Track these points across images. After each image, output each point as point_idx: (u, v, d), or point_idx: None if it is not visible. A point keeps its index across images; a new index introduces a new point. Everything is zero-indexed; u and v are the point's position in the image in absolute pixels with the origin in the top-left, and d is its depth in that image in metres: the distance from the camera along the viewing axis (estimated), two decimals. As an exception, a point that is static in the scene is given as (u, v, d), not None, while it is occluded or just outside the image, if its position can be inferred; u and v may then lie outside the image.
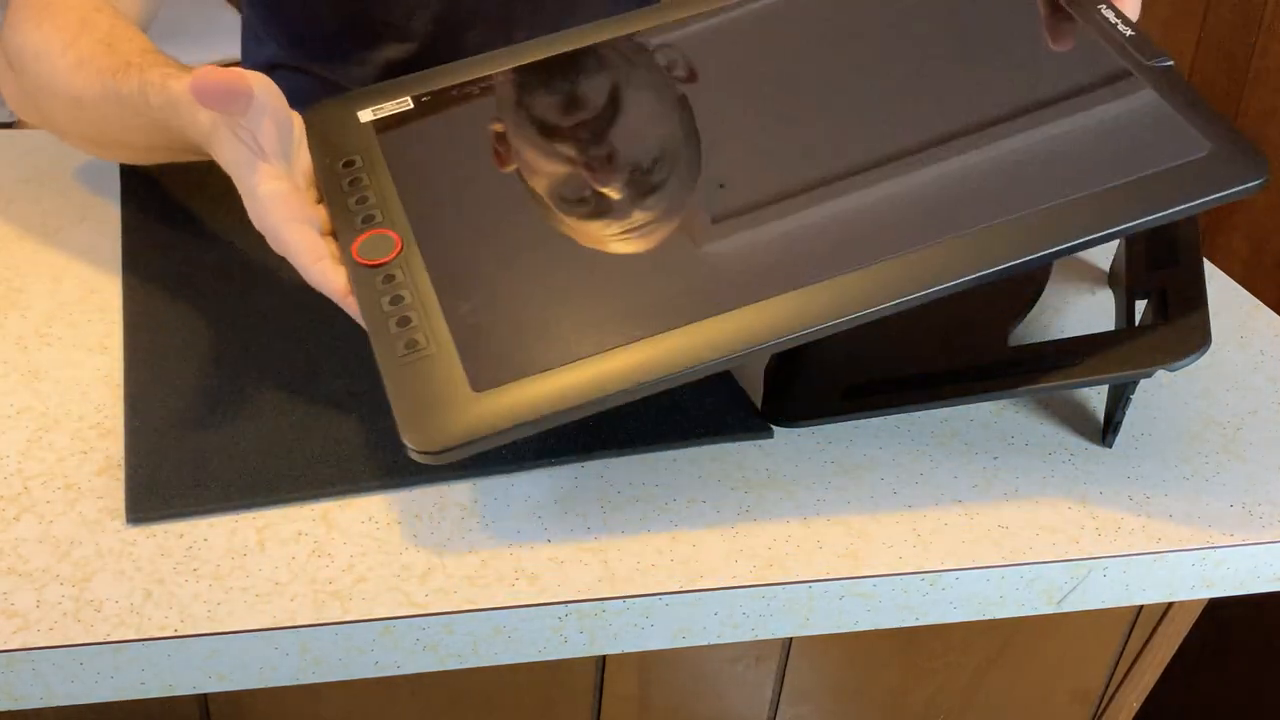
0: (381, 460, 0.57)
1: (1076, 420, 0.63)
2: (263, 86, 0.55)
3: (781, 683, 0.72)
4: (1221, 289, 0.77)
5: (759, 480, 0.58)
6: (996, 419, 0.63)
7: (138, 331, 0.65)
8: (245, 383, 0.62)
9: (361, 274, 0.55)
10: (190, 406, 0.60)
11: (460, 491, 0.56)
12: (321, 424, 0.59)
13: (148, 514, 0.53)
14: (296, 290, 0.70)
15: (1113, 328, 0.69)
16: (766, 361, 0.64)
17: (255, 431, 0.58)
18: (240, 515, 0.54)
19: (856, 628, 0.55)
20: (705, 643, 0.54)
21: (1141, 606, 0.74)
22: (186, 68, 0.61)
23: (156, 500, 0.54)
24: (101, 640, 0.48)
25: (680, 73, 0.65)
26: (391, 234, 0.57)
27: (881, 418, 0.62)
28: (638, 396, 0.51)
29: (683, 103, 0.63)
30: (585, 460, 0.58)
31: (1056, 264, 0.78)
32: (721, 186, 0.58)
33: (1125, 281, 0.65)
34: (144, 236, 0.74)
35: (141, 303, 0.68)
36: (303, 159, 0.60)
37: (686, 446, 0.60)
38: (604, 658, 0.67)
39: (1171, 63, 0.59)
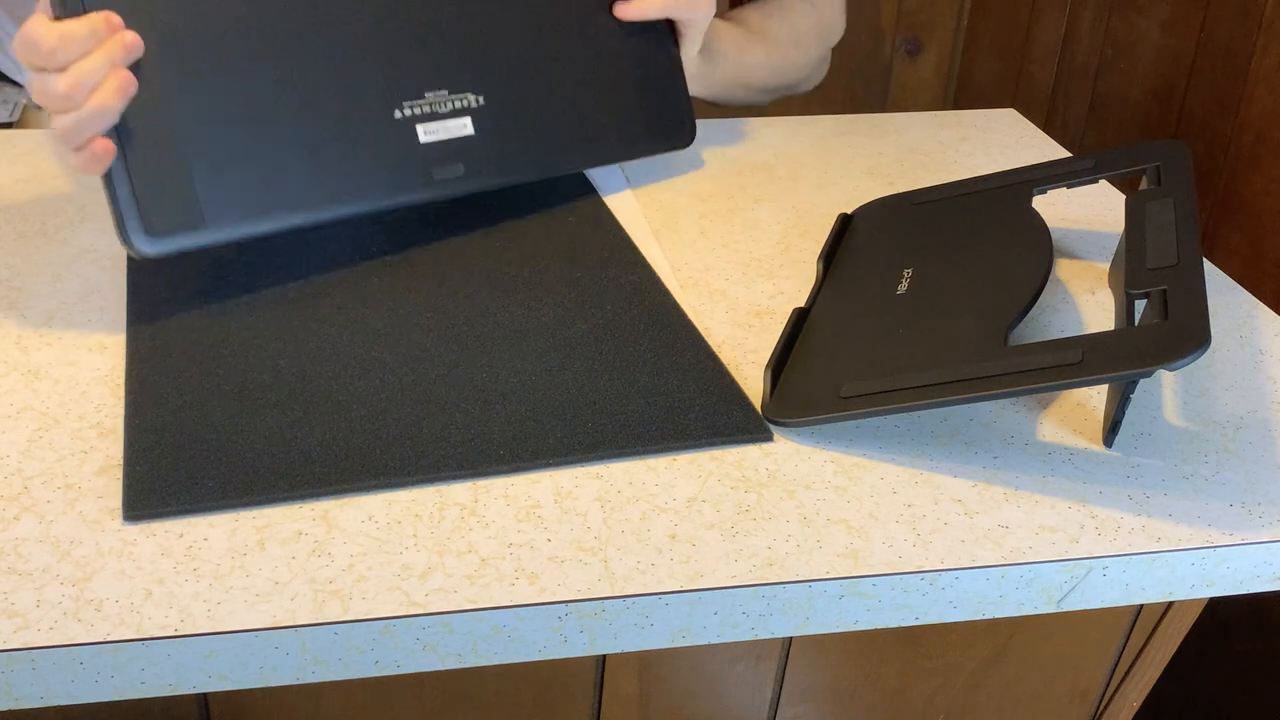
0: (381, 460, 0.57)
1: (1076, 420, 0.63)
2: None
3: (781, 683, 0.72)
4: (1221, 289, 0.77)
5: (759, 480, 0.58)
6: (996, 419, 0.63)
7: (139, 330, 0.65)
8: (245, 382, 0.62)
9: None
10: (190, 406, 0.60)
11: (460, 491, 0.56)
12: (321, 424, 0.59)
13: (145, 512, 0.53)
14: (297, 290, 0.70)
15: (1113, 328, 0.69)
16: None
17: (255, 431, 0.58)
18: (240, 515, 0.54)
19: (856, 627, 0.55)
20: (705, 643, 0.54)
21: (1141, 606, 0.74)
22: None
23: (154, 498, 0.54)
24: (101, 640, 0.48)
25: None
26: None
27: (881, 418, 0.62)
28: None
29: None
30: (585, 461, 0.58)
31: (1056, 264, 0.78)
32: None
33: (1125, 281, 0.65)
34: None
35: (144, 301, 0.68)
36: None
37: (686, 448, 0.60)
38: (604, 658, 0.67)
39: None
